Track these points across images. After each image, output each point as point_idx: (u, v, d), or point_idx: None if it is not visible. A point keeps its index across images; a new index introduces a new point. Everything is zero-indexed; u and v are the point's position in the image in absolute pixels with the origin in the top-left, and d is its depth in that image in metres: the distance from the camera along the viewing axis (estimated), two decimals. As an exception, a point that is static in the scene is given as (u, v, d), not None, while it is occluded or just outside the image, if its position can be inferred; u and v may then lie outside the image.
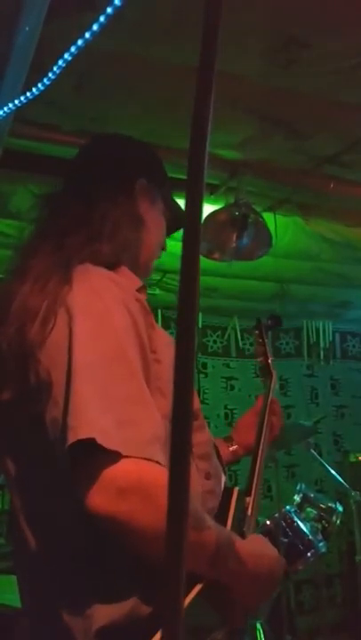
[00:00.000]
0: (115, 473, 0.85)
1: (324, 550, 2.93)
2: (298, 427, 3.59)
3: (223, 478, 1.18)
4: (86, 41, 1.40)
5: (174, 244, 1.36)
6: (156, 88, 1.88)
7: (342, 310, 4.60)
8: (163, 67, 1.76)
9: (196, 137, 0.37)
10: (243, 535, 1.07)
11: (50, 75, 1.49)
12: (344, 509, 3.17)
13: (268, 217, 2.73)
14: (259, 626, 2.46)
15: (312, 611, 4.32)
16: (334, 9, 1.53)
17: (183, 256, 0.37)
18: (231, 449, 1.53)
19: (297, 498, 3.13)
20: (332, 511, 3.09)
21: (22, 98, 1.54)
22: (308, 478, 4.36)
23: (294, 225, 2.97)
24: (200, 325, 4.51)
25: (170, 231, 1.35)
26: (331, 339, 4.94)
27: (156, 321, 1.11)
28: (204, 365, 4.61)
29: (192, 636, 0.92)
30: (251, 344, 4.67)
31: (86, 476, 0.85)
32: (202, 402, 3.55)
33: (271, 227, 2.66)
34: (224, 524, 1.05)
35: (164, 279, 3.46)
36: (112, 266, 1.10)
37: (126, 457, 0.85)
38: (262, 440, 1.43)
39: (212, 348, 4.68)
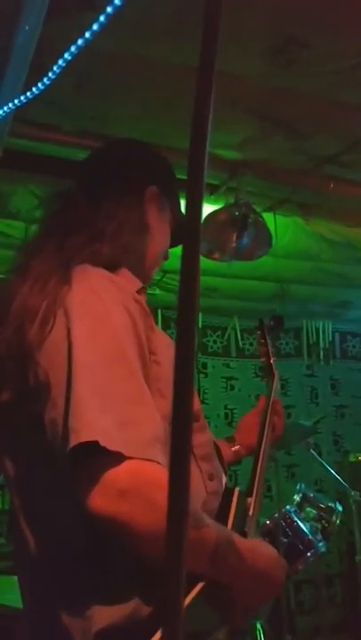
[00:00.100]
0: (116, 474, 0.84)
1: (323, 550, 2.93)
2: (298, 427, 3.58)
3: (224, 479, 1.18)
4: (86, 41, 1.40)
5: (174, 244, 1.36)
6: (156, 88, 1.89)
7: (342, 310, 4.60)
8: (163, 67, 1.77)
9: (196, 137, 0.37)
10: (244, 535, 1.07)
11: (50, 74, 1.49)
12: (344, 509, 3.17)
13: (268, 217, 2.73)
14: (259, 626, 2.46)
15: (312, 611, 4.32)
16: (334, 9, 1.53)
17: (183, 256, 0.36)
18: (233, 449, 1.53)
19: (297, 498, 3.13)
20: (332, 511, 3.09)
21: (22, 98, 1.54)
22: (308, 478, 4.36)
23: (294, 225, 2.97)
24: (200, 325, 4.50)
25: (173, 244, 1.34)
26: (331, 339, 4.94)
27: (156, 321, 1.11)
28: (204, 365, 4.61)
29: (192, 636, 0.91)
30: (251, 344, 4.68)
31: (87, 476, 0.85)
32: (202, 402, 3.55)
33: (271, 227, 2.67)
34: (225, 524, 1.05)
35: (164, 279, 3.46)
36: (112, 267, 1.09)
37: (128, 458, 0.85)
38: (264, 440, 1.43)
39: (212, 347, 4.68)
